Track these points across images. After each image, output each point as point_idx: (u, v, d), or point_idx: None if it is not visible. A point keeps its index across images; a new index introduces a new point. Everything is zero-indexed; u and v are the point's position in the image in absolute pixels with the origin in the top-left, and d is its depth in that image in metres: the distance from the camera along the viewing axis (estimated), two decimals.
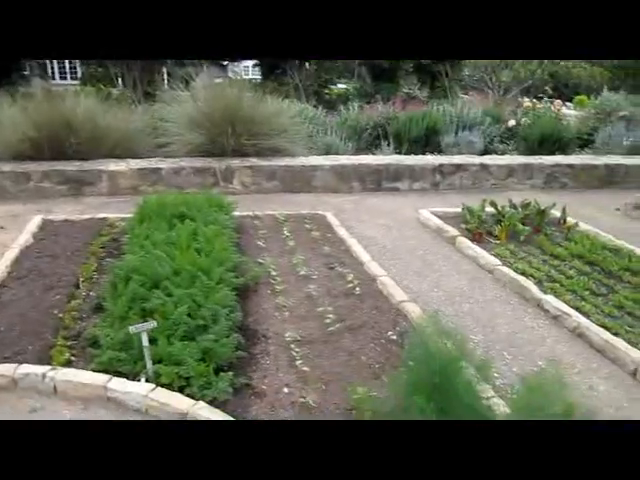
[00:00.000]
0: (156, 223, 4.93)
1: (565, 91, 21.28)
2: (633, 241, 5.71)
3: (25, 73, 21.18)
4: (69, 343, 3.53)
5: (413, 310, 4.06)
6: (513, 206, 6.24)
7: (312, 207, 6.81)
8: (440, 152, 9.69)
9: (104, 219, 5.89)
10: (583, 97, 17.97)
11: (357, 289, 4.44)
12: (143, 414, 2.96)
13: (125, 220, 5.59)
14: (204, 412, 2.86)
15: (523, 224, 5.80)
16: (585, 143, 10.65)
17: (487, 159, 8.59)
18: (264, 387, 3.18)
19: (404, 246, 5.69)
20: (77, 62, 24.50)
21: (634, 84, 20.66)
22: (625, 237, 5.85)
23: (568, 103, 17.27)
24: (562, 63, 21.25)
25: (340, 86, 21.92)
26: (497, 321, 4.18)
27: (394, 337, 3.75)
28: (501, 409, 2.86)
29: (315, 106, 11.51)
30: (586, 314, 4.12)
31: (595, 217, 6.80)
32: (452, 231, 5.87)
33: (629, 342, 3.72)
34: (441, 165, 8.16)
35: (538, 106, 12.19)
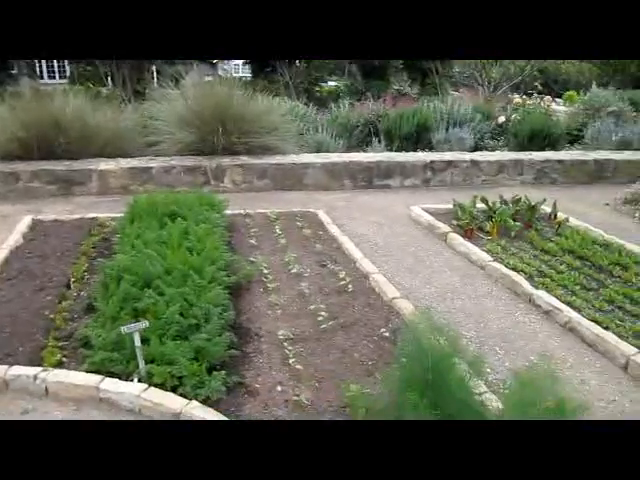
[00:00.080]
0: (147, 222, 4.91)
1: (554, 87, 21.39)
2: (623, 236, 5.75)
3: (13, 72, 21.03)
4: (60, 344, 3.51)
5: (405, 307, 4.07)
6: (504, 202, 6.26)
7: (303, 205, 6.81)
8: (431, 149, 9.72)
9: (94, 219, 5.85)
10: (572, 93, 18.06)
11: (349, 286, 4.44)
12: (136, 414, 2.95)
13: (116, 219, 5.56)
14: (197, 411, 2.85)
15: (514, 220, 5.83)
16: (575, 139, 10.72)
17: (478, 155, 8.62)
18: (257, 385, 3.17)
19: (396, 243, 5.70)
20: (66, 61, 24.31)
21: (622, 80, 20.80)
22: (615, 232, 5.89)
23: (558, 99, 17.38)
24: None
25: (331, 84, 21.92)
26: (489, 317, 4.19)
27: (387, 334, 3.75)
28: (494, 404, 2.88)
29: (306, 104, 11.50)
30: (577, 309, 4.15)
31: (585, 212, 6.84)
32: (443, 227, 5.88)
33: (619, 336, 3.75)
34: (432, 162, 8.18)
35: (528, 102, 12.27)
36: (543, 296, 4.32)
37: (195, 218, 5.02)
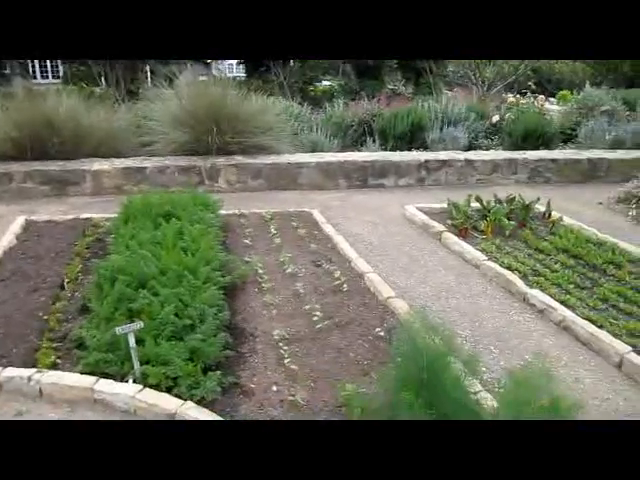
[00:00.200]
0: (141, 222, 4.89)
1: (548, 86, 21.44)
2: (616, 234, 5.78)
3: (5, 72, 20.91)
4: (55, 345, 3.50)
5: (400, 306, 4.07)
6: (498, 201, 6.28)
7: (298, 205, 6.81)
8: (425, 148, 9.73)
9: (88, 219, 5.84)
10: (566, 92, 18.11)
11: (344, 286, 4.44)
12: (131, 415, 2.94)
13: (110, 220, 5.54)
14: (192, 412, 2.84)
15: (508, 219, 5.84)
16: (568, 138, 10.75)
17: (472, 155, 8.64)
18: (253, 386, 3.17)
19: (391, 242, 5.71)
20: (59, 61, 24.19)
21: (615, 79, 20.88)
22: (608, 230, 5.91)
23: (551, 98, 17.42)
24: None
25: (325, 83, 21.89)
26: (484, 316, 4.20)
27: (382, 333, 3.75)
28: (489, 403, 2.88)
29: (300, 103, 11.49)
30: (571, 307, 4.16)
31: (579, 211, 6.86)
32: (438, 227, 5.89)
33: (613, 334, 3.77)
34: (426, 161, 8.19)
35: (522, 101, 12.28)
36: (537, 295, 4.33)
37: (189, 218, 5.01)
